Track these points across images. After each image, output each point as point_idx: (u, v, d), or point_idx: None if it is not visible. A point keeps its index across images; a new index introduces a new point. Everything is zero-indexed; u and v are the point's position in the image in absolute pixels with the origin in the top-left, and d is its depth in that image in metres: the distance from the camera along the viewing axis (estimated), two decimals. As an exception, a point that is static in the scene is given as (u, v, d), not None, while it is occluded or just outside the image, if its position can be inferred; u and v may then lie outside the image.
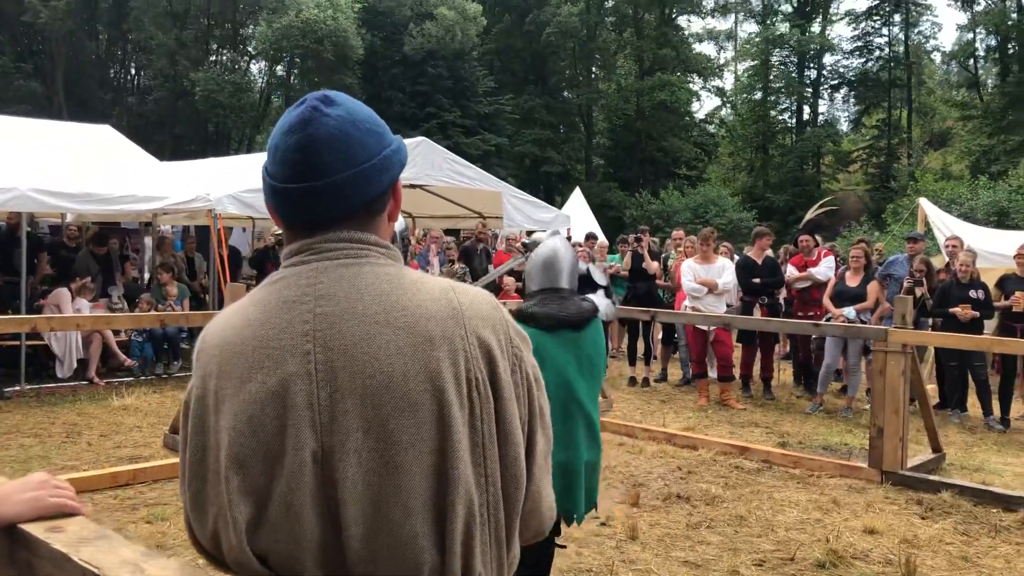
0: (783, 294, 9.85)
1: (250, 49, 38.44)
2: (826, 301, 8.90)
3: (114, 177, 9.68)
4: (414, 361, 1.20)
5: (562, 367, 3.19)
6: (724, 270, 9.19)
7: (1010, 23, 37.36)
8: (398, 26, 34.60)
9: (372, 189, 1.29)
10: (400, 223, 4.64)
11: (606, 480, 6.23)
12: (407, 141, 11.88)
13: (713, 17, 46.85)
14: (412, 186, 12.50)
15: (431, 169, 11.61)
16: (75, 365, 9.52)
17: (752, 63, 43.39)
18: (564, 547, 3.57)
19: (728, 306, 9.64)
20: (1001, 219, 24.64)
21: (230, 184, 10.50)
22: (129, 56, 41.91)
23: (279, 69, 39.75)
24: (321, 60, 32.50)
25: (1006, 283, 8.60)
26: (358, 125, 1.29)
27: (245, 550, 1.21)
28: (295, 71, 38.30)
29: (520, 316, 3.21)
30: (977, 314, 8.21)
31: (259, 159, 14.11)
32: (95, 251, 11.10)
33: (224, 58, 39.73)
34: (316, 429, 1.18)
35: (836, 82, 43.90)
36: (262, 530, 1.20)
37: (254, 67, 41.18)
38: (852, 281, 8.77)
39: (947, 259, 9.41)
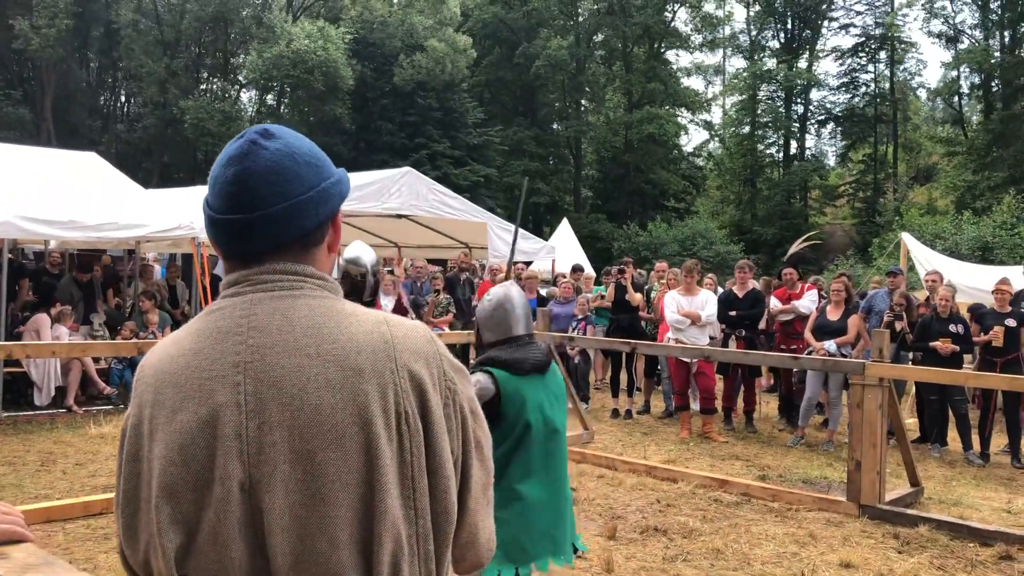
0: (763, 327, 9.85)
1: (240, 78, 38.59)
2: (807, 334, 8.94)
3: (97, 204, 9.68)
4: (343, 394, 1.21)
5: (542, 406, 3.27)
6: (707, 302, 9.22)
7: (993, 61, 37.89)
8: (388, 57, 34.81)
9: (308, 221, 1.30)
10: (371, 257, 4.77)
11: (584, 512, 6.20)
12: (393, 171, 12.02)
13: (701, 52, 47.33)
14: (398, 216, 12.55)
15: (416, 199, 11.67)
16: (53, 393, 9.45)
17: (740, 98, 43.82)
18: None
19: (711, 338, 9.66)
20: (985, 254, 24.87)
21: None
22: (119, 84, 42.08)
23: (269, 98, 39.95)
24: (311, 90, 32.64)
25: (985, 318, 8.65)
26: (296, 158, 1.30)
27: None
28: (285, 100, 38.46)
29: (493, 363, 3.25)
30: (957, 348, 8.26)
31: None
32: (78, 278, 11.07)
33: (214, 87, 39.93)
34: (244, 460, 1.19)
35: (823, 117, 44.34)
36: (191, 559, 1.21)
37: (244, 96, 41.41)
38: (833, 315, 8.81)
39: (928, 294, 9.47)
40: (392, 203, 11.42)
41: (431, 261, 16.12)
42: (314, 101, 33.57)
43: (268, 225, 1.28)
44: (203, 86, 39.34)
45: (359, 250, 4.81)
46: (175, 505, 1.20)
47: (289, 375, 1.21)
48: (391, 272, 11.73)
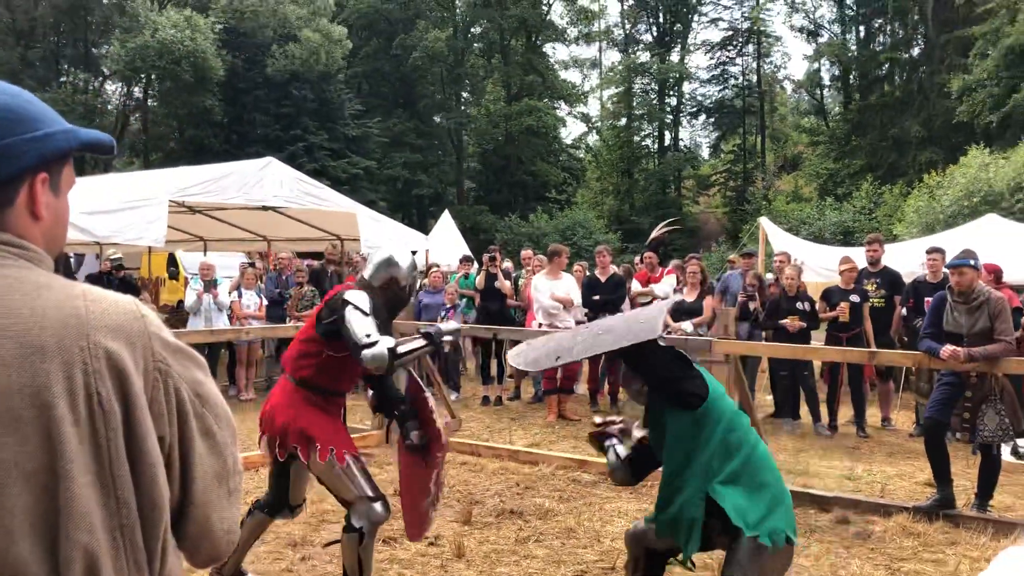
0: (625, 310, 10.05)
1: (104, 69, 36.85)
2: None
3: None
4: (20, 373, 1.12)
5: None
6: (571, 287, 9.37)
7: (850, 55, 39.88)
8: (260, 47, 33.87)
9: None
10: (408, 260, 4.17)
11: (444, 500, 6.18)
12: (254, 161, 11.66)
13: (577, 45, 48.07)
14: (264, 208, 12.22)
15: (279, 190, 11.35)
16: None
17: (615, 90, 44.68)
18: None
19: (578, 322, 9.80)
20: (846, 238, 26.17)
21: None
22: (-31, 74, 39.56)
23: (136, 91, 38.29)
24: (179, 81, 31.46)
25: (832, 295, 9.04)
26: None
27: None
28: (153, 92, 36.93)
29: None
30: (804, 325, 8.61)
31: (106, 180, 13.49)
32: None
33: (76, 78, 37.99)
34: None
35: (695, 109, 45.74)
36: None
37: (109, 87, 39.55)
38: (689, 296, 9.06)
39: (777, 275, 9.85)
40: (255, 194, 11.09)
41: (305, 255, 15.79)
42: (183, 93, 32.35)
43: None
44: (63, 78, 37.38)
45: (393, 251, 4.19)
46: None
47: None
48: (253, 265, 11.44)
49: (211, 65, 31.20)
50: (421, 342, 3.95)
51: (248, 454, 5.98)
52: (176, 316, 13.28)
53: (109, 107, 37.49)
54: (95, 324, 1.18)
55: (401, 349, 3.78)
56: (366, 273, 4.13)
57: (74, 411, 1.14)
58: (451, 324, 4.15)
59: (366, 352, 3.68)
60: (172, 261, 17.92)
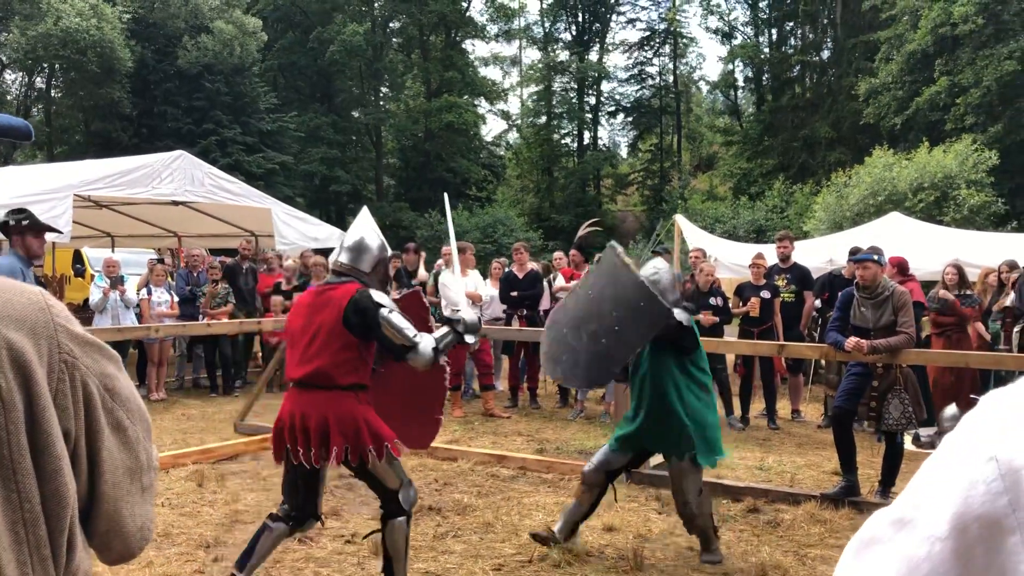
0: (545, 306, 10.11)
1: (2, 57, 35.29)
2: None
3: None
4: None
5: None
6: (477, 282, 9.51)
7: (763, 56, 40.92)
8: (171, 39, 32.88)
9: None
10: (376, 241, 4.07)
11: (361, 497, 6.10)
12: (163, 155, 11.34)
13: (497, 42, 48.11)
14: (174, 203, 11.89)
15: (192, 185, 11.07)
16: None
17: (535, 88, 44.86)
18: None
19: (497, 319, 9.82)
20: (759, 236, 26.82)
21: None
22: None
23: (39, 81, 36.78)
24: (85, 72, 30.33)
25: (744, 290, 9.25)
26: None
27: None
28: (56, 83, 35.53)
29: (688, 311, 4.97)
30: (717, 320, 8.79)
31: (7, 173, 12.91)
32: None
33: (-27, 67, 36.31)
34: None
35: (613, 108, 46.23)
36: None
37: (8, 77, 37.88)
38: (607, 291, 9.15)
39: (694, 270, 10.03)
40: (165, 189, 10.78)
41: (218, 251, 15.41)
42: (89, 84, 31.19)
43: None
44: (-42, 66, 35.68)
45: (362, 232, 4.09)
46: None
47: None
48: (161, 262, 11.12)
49: (119, 56, 30.17)
50: (448, 331, 3.96)
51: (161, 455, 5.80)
52: (82, 315, 12.80)
53: (8, 98, 35.90)
54: None
55: (441, 345, 3.83)
56: (353, 262, 3.97)
57: None
58: (470, 314, 4.19)
59: (420, 353, 3.71)
60: (78, 258, 17.29)
